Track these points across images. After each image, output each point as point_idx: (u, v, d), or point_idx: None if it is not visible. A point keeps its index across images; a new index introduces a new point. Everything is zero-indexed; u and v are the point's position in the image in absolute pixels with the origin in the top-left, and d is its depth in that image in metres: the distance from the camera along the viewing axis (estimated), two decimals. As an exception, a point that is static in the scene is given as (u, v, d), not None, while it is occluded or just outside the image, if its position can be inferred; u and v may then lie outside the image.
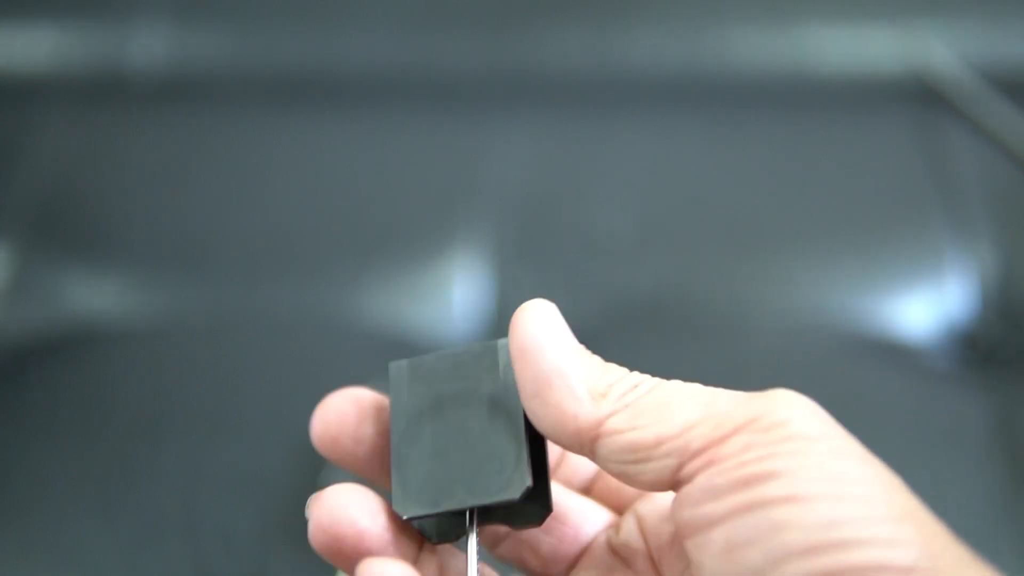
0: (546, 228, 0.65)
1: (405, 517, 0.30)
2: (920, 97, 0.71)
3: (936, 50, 0.72)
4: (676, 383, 0.29)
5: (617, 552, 0.33)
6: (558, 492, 0.34)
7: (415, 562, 0.31)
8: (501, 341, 0.32)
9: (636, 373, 0.30)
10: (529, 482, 0.30)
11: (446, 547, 0.32)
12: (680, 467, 0.27)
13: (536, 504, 0.31)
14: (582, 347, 0.30)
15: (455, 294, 0.62)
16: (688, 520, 0.27)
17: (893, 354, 0.59)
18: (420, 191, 0.67)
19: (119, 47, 0.74)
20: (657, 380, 0.29)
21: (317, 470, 0.53)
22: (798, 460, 0.26)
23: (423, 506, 0.30)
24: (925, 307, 0.61)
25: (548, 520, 0.32)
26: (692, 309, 0.60)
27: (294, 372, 0.59)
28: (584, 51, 0.73)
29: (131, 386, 0.59)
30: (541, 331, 0.29)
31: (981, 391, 0.58)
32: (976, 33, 0.73)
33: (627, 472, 0.28)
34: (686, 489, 0.27)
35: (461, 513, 0.31)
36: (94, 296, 0.63)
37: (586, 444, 0.29)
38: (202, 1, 0.76)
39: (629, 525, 0.33)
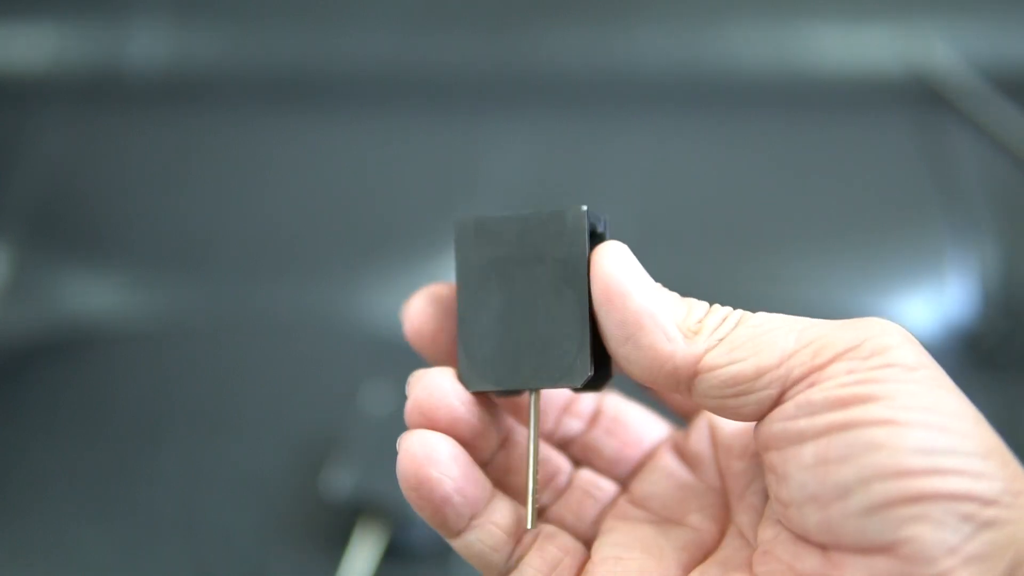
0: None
1: (471, 391, 0.31)
2: (921, 97, 0.71)
3: (937, 50, 0.72)
4: (763, 314, 0.29)
5: (684, 456, 0.33)
6: (618, 402, 0.35)
7: (497, 446, 0.32)
8: (569, 208, 0.32)
9: (717, 305, 0.30)
10: (590, 371, 0.30)
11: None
12: (781, 395, 0.28)
13: (598, 375, 0.31)
14: (660, 284, 0.30)
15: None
16: (778, 433, 0.28)
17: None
18: (420, 191, 0.67)
19: (119, 47, 0.74)
20: (742, 311, 0.30)
21: (317, 470, 0.53)
22: (897, 386, 0.26)
23: (488, 382, 0.31)
24: (926, 307, 0.61)
25: (611, 424, 0.34)
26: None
27: (294, 372, 0.59)
28: (584, 51, 0.73)
29: (131, 386, 0.59)
30: (623, 273, 0.30)
31: (983, 392, 0.58)
32: (977, 33, 0.73)
33: (726, 406, 0.29)
34: (781, 406, 0.28)
35: None
36: (94, 296, 0.63)
37: (683, 382, 0.29)
38: (202, 1, 0.76)
39: (700, 431, 0.33)
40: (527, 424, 0.33)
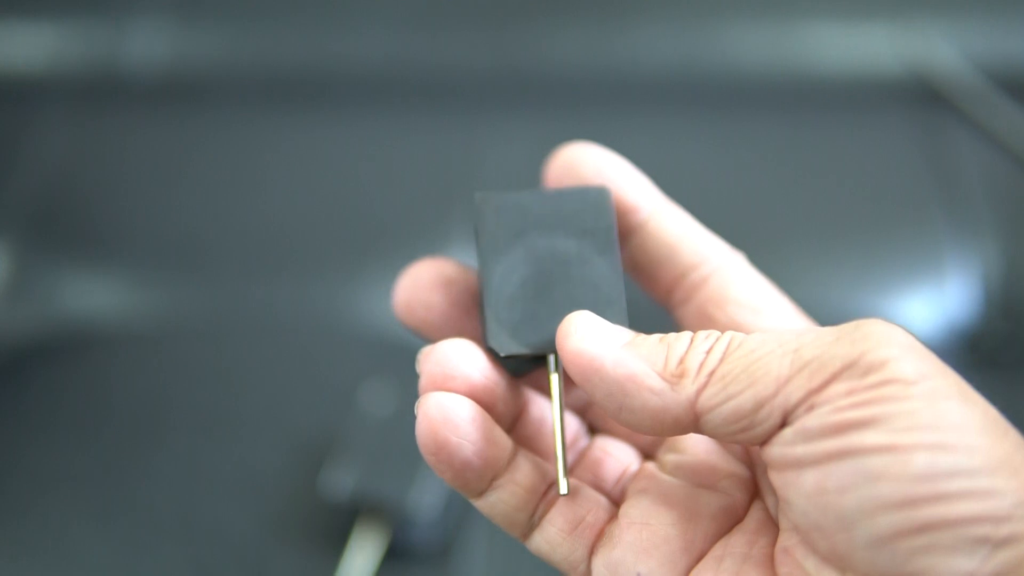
0: (546, 228, 0.64)
1: (503, 355, 0.31)
2: (922, 96, 0.71)
3: (938, 49, 0.72)
4: (755, 337, 0.28)
5: (680, 470, 0.32)
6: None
7: (517, 412, 0.32)
8: (590, 187, 0.33)
9: (699, 334, 0.29)
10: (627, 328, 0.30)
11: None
12: (784, 420, 0.27)
13: None
14: (629, 335, 0.29)
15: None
16: (776, 457, 0.27)
17: (894, 354, 0.59)
18: (419, 190, 0.67)
19: (118, 47, 0.74)
20: (727, 335, 0.28)
21: (317, 470, 0.53)
22: (896, 406, 0.25)
23: (521, 345, 0.31)
24: (926, 308, 0.61)
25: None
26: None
27: (294, 372, 0.59)
28: (584, 50, 0.73)
29: (130, 386, 0.59)
30: (591, 346, 0.29)
31: (983, 393, 0.58)
32: (978, 31, 0.73)
33: (737, 439, 0.28)
34: (779, 432, 0.27)
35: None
36: (93, 296, 0.63)
37: (690, 427, 0.28)
38: (202, 1, 0.76)
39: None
40: (546, 392, 0.33)
